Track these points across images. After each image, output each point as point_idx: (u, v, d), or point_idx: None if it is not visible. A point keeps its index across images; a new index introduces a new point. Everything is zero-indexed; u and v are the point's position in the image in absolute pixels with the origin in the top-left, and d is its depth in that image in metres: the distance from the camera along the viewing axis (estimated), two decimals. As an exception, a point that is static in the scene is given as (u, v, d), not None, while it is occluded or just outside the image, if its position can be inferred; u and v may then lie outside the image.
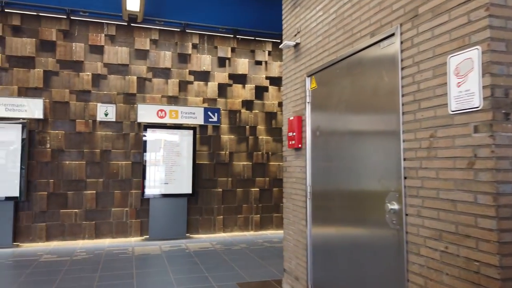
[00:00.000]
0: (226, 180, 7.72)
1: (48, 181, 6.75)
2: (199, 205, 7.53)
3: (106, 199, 7.02)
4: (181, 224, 7.25)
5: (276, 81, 8.19)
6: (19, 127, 6.52)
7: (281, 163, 8.08)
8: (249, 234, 7.61)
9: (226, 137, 7.78)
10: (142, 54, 7.38)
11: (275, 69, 8.17)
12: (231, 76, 7.91)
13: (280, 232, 7.78)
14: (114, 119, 7.15)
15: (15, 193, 6.42)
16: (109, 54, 7.18)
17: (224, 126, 7.80)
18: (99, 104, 7.09)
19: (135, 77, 7.28)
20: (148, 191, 7.11)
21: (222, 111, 7.80)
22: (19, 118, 6.59)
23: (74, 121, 6.95)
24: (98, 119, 7.07)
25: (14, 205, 6.48)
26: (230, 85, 7.91)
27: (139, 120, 7.22)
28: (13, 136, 6.49)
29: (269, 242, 6.83)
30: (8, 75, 6.68)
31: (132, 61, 7.32)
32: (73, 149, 6.92)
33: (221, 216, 7.64)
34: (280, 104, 8.19)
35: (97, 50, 7.13)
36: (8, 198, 6.39)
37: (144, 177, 7.09)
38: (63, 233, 6.76)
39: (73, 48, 6.98)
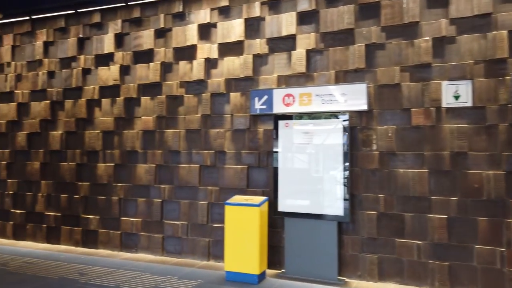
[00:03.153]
0: None
1: (377, 196, 4.86)
2: None
3: (463, 229, 4.48)
4: None
5: None
6: (338, 123, 4.93)
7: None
8: None
9: None
10: (514, -8, 4.42)
11: None
12: None
13: None
14: (470, 104, 4.53)
15: (338, 211, 4.85)
16: (458, 4, 4.62)
17: None
18: (444, 83, 4.65)
19: (504, 32, 4.41)
20: (544, 224, 4.08)
21: None
22: (338, 112, 5.01)
23: (408, 111, 4.79)
24: (445, 105, 4.63)
25: (338, 226, 4.92)
26: None
27: None
28: (333, 135, 4.96)
29: None
30: (324, 58, 5.23)
31: (497, 8, 4.48)
32: (408, 151, 4.77)
33: None
34: None
35: (439, 3, 4.72)
36: (328, 217, 4.90)
37: (534, 199, 4.11)
38: (401, 273, 4.70)
39: (404, 6, 4.83)
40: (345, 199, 4.82)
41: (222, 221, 5.57)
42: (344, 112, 4.95)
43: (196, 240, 5.77)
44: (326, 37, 5.21)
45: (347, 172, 4.84)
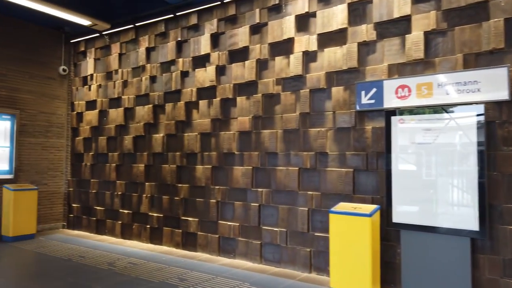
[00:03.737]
0: None
1: (525, 209, 3.85)
2: None
3: None
4: None
5: None
6: (470, 117, 4.03)
7: None
8: None
9: None
10: None
11: None
12: None
13: None
14: None
15: (471, 224, 3.95)
16: None
17: None
18: None
19: None
20: None
21: None
22: (469, 103, 4.11)
23: None
24: None
25: (471, 243, 4.02)
26: None
27: None
28: (462, 132, 4.07)
29: None
30: (447, 39, 4.36)
31: None
32: None
33: None
34: None
35: None
36: (457, 232, 4.02)
37: None
38: None
39: (560, -37, 3.76)
40: (480, 211, 3.91)
41: (324, 229, 5.04)
42: (477, 104, 4.04)
43: (296, 250, 5.31)
44: (450, 15, 4.33)
45: (482, 177, 3.92)
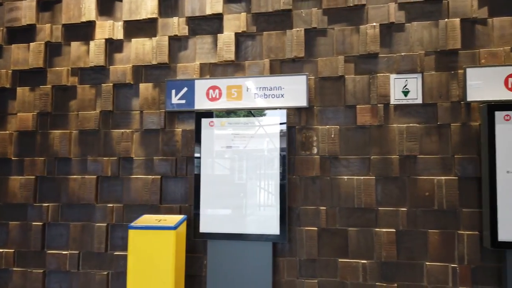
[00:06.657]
0: None
1: (318, 209, 4.07)
2: None
3: (413, 243, 3.88)
4: None
5: None
6: (274, 122, 4.07)
7: None
8: None
9: None
10: (462, -21, 4.03)
11: None
12: None
13: None
14: (420, 101, 3.99)
15: (274, 229, 3.95)
16: (404, -11, 4.11)
17: None
18: (393, 76, 4.06)
19: (457, 20, 3.97)
20: (503, 235, 3.61)
21: None
22: (274, 108, 4.15)
23: (353, 108, 4.11)
24: (393, 102, 4.04)
25: (273, 248, 4.02)
26: None
27: (470, 98, 3.84)
28: (267, 136, 4.07)
29: None
30: (256, 43, 4.35)
31: (445, -5, 4.05)
32: (353, 155, 4.07)
33: None
34: None
35: (385, -16, 4.16)
36: (261, 237, 3.96)
37: (493, 208, 3.63)
38: (348, 301, 3.94)
39: (347, -13, 4.19)
40: (281, 214, 3.94)
41: (126, 247, 4.32)
42: (281, 109, 4.11)
43: (91, 274, 4.40)
44: (259, 19, 4.34)
45: (284, 181, 3.97)
